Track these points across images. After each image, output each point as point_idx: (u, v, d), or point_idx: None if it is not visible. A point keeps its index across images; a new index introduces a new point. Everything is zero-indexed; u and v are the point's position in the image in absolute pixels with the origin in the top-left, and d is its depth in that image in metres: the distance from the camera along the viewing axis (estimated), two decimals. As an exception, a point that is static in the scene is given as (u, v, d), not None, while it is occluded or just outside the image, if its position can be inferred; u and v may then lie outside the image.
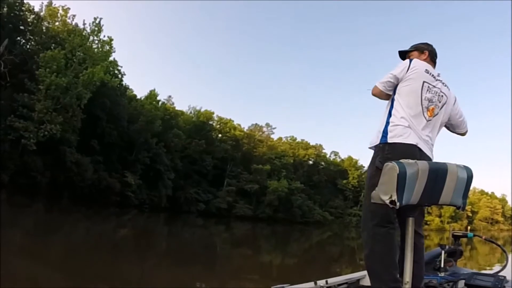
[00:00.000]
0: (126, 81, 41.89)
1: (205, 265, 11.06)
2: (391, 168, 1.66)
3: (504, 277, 2.75)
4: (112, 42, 33.73)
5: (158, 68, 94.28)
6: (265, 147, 59.56)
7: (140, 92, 44.09)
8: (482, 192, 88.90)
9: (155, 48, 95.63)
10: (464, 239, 3.50)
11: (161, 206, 40.34)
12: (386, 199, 1.66)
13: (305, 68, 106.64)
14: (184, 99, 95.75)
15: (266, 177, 53.00)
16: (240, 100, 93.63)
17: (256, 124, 62.50)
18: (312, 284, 2.59)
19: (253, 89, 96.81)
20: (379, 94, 2.41)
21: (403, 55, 2.60)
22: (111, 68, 37.46)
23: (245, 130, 59.46)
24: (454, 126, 2.59)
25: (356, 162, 67.43)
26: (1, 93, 27.57)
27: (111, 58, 37.37)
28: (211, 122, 55.49)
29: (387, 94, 2.39)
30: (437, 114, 2.32)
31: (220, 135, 55.15)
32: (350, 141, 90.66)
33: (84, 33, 32.12)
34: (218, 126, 56.33)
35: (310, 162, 64.20)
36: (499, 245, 3.65)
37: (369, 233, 2.20)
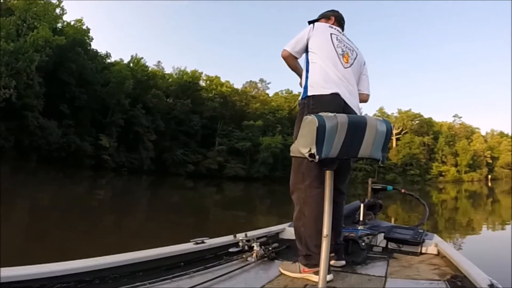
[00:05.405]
0: (114, 50, 43.11)
1: (194, 228, 10.12)
2: (310, 121, 1.61)
3: (423, 230, 2.80)
4: (62, 3, 35.61)
5: (146, 34, 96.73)
6: (258, 102, 57.34)
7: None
8: (502, 134, 78.94)
9: (139, 15, 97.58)
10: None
11: (143, 168, 40.00)
12: (305, 152, 1.61)
13: (299, 21, 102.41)
14: (176, 64, 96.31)
15: (259, 134, 51.07)
16: (232, 58, 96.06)
17: (250, 81, 60.64)
18: (231, 237, 2.59)
19: (244, 46, 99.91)
20: (286, 55, 2.38)
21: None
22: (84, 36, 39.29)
23: (239, 88, 57.94)
24: (359, 85, 2.50)
25: (358, 113, 64.42)
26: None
27: (83, 27, 39.94)
28: (200, 82, 54.05)
29: (294, 58, 2.40)
30: (352, 65, 2.33)
31: (210, 94, 53.36)
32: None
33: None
34: (205, 85, 54.63)
35: (309, 116, 61.68)
36: (417, 198, 3.66)
37: (300, 194, 2.17)
